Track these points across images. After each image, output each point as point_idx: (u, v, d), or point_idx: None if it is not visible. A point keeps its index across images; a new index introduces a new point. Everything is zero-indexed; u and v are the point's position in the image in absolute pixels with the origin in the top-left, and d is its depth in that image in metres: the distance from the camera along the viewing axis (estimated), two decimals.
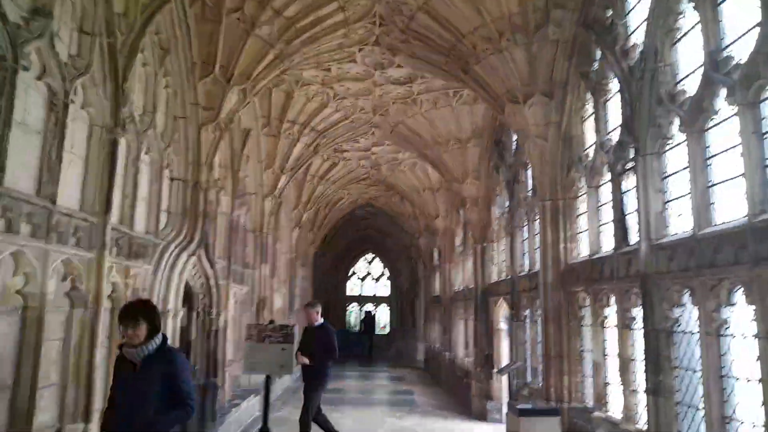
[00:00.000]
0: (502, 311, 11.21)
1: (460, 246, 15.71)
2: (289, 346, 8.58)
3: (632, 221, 5.91)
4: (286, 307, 16.50)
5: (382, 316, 28.82)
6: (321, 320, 8.09)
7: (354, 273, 29.36)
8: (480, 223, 11.94)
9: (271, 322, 9.26)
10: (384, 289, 29.16)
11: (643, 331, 5.31)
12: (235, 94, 7.56)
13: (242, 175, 11.02)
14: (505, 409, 10.84)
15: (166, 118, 6.93)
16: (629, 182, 6.00)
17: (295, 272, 17.75)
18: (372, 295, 29.19)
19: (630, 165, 5.92)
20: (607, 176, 6.50)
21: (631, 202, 5.95)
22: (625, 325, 5.87)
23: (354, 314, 29.16)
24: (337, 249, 26.86)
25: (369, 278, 29.45)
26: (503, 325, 11.28)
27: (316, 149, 12.38)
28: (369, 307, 28.92)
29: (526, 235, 9.57)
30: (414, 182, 16.45)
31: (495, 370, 11.05)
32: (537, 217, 8.84)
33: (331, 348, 7.94)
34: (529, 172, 9.46)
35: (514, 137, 10.25)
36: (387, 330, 28.30)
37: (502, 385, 10.99)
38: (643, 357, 5.30)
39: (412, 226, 20.53)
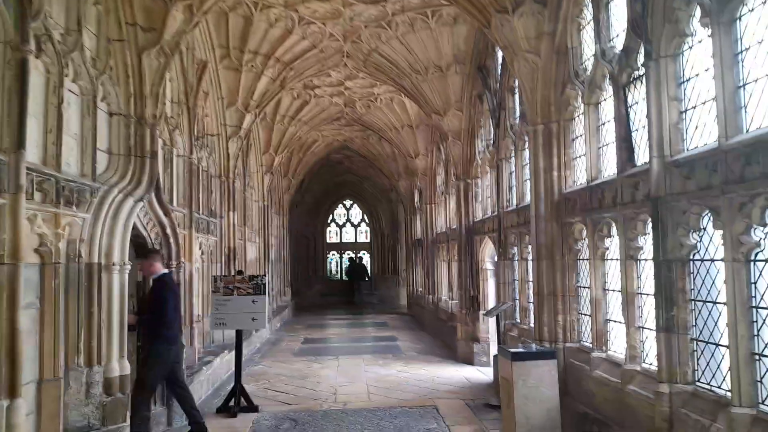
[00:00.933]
0: (487, 250, 10.65)
1: (441, 185, 15.03)
2: (261, 297, 7.96)
3: (640, 139, 5.20)
4: (261, 257, 15.79)
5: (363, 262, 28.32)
6: (161, 272, 6.36)
7: (333, 220, 28.66)
8: (463, 159, 11.19)
9: (239, 272, 8.57)
10: (364, 235, 28.60)
11: (653, 261, 4.68)
12: (180, 12, 6.48)
13: (201, 114, 10.02)
14: (492, 352, 10.48)
15: (98, 40, 5.87)
16: (636, 94, 5.24)
17: (269, 221, 16.96)
18: (352, 241, 28.62)
19: (638, 73, 5.16)
20: (610, 90, 5.73)
21: (638, 118, 5.22)
22: (629, 256, 5.25)
23: (335, 262, 28.65)
24: (314, 196, 26.04)
25: (348, 225, 28.81)
26: (489, 265, 10.76)
27: (282, 84, 11.32)
28: (350, 254, 28.38)
29: (513, 167, 8.85)
30: (391, 119, 15.52)
31: (482, 311, 10.58)
32: (526, 146, 8.12)
33: (155, 308, 6.09)
34: (517, 98, 8.66)
35: (500, 60, 9.36)
36: (368, 276, 27.89)
37: (489, 327, 10.58)
38: (653, 290, 4.70)
39: (391, 168, 19.73)
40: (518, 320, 8.56)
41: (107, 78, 5.97)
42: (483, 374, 9.84)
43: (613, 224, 5.58)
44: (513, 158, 8.82)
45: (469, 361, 10.72)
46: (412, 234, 19.94)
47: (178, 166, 8.62)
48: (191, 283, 8.92)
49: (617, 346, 5.71)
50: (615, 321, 5.76)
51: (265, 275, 7.83)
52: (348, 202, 28.56)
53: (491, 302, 10.55)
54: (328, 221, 28.46)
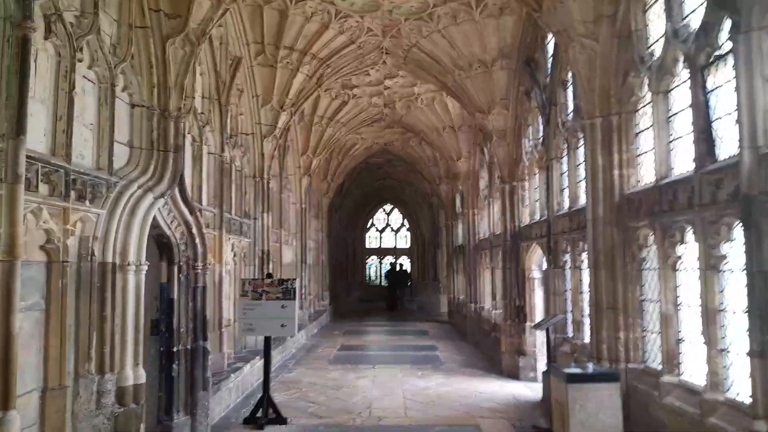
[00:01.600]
0: (535, 257, 9.89)
1: (485, 189, 14.29)
2: (291, 302, 7.48)
3: (723, 128, 4.44)
4: (298, 261, 15.42)
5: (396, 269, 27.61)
6: None
7: (373, 224, 28.18)
8: (508, 160, 10.47)
9: (269, 275, 8.12)
10: (404, 240, 28.01)
11: (744, 273, 3.92)
12: None
13: (235, 112, 9.69)
14: (540, 366, 9.71)
15: (119, 26, 5.54)
16: (719, 76, 4.49)
17: (307, 224, 16.59)
18: (392, 247, 28.07)
19: (720, 53, 4.41)
20: (683, 75, 4.99)
21: (721, 104, 4.46)
22: (710, 266, 4.48)
23: (374, 267, 28.14)
24: (354, 200, 25.64)
25: (388, 230, 28.27)
26: (536, 274, 9.98)
27: (319, 82, 10.89)
28: (390, 260, 27.83)
29: (565, 167, 8.10)
30: (433, 121, 14.89)
31: (529, 323, 9.82)
32: (580, 144, 7.39)
33: None
34: (570, 92, 7.92)
35: (550, 52, 8.65)
36: (410, 284, 27.25)
37: (536, 339, 9.81)
38: (744, 307, 3.93)
39: (432, 172, 19.09)
40: (570, 335, 7.78)
41: (128, 66, 5.62)
42: (530, 390, 9.06)
43: (689, 229, 4.82)
44: (565, 157, 8.08)
45: (514, 375, 9.96)
46: (454, 240, 19.22)
47: (208, 164, 8.28)
48: (221, 286, 8.56)
49: (692, 370, 4.92)
50: (689, 341, 4.98)
51: (295, 279, 7.36)
52: (388, 207, 28.06)
53: (538, 313, 9.77)
54: (368, 226, 28.02)
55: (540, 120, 9.16)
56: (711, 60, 4.56)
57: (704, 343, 4.52)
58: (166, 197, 5.94)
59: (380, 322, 20.56)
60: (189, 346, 6.70)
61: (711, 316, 4.46)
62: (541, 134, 9.15)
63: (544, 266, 9.32)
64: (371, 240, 28.12)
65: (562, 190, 8.25)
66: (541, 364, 9.69)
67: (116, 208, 5.22)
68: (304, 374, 10.64)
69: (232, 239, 9.44)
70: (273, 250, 11.98)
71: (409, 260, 27.50)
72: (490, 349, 12.24)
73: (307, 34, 9.76)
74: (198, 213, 6.92)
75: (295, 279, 7.26)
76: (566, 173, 7.99)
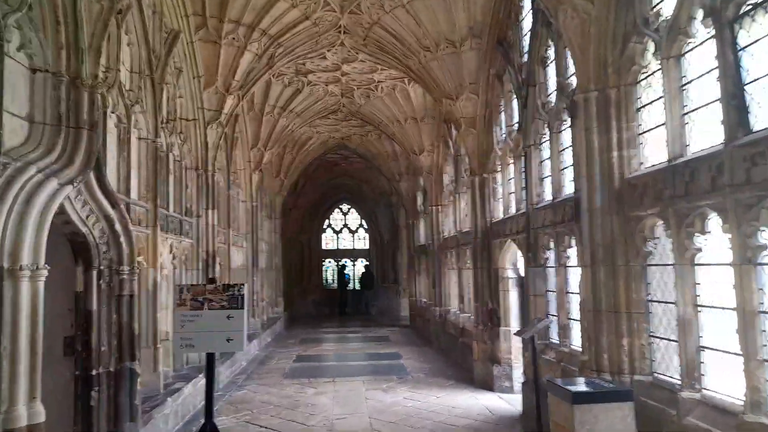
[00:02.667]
0: (509, 256, 9.10)
1: (450, 184, 13.50)
2: (239, 312, 6.34)
3: (759, 93, 3.70)
4: (249, 264, 14.21)
5: (360, 271, 26.63)
6: None
7: (329, 225, 27.07)
8: (478, 150, 9.65)
9: (212, 280, 6.97)
10: (362, 242, 27.01)
11: None
12: None
13: (173, 94, 8.49)
14: (516, 375, 8.93)
15: None
16: (754, 30, 3.74)
17: (258, 224, 15.38)
18: (350, 248, 27.03)
19: (755, 1, 3.66)
20: (702, 33, 4.24)
21: (755, 64, 3.72)
22: (746, 259, 3.72)
23: (331, 270, 27.03)
24: (309, 199, 24.46)
25: (345, 230, 27.22)
26: (511, 273, 9.19)
27: (270, 63, 9.79)
28: (344, 262, 26.78)
29: (546, 153, 7.33)
30: (394, 111, 13.98)
31: (504, 328, 9.02)
32: (565, 126, 6.63)
33: None
34: (551, 70, 7.15)
35: (526, 28, 7.87)
36: (358, 286, 26.27)
37: (511, 345, 9.01)
38: None
39: (392, 167, 18.19)
40: (556, 340, 7.00)
41: (25, 19, 4.43)
42: (507, 403, 8.26)
43: (713, 215, 4.06)
44: (546, 143, 7.31)
45: (488, 386, 9.14)
46: (415, 240, 18.36)
47: (139, 151, 7.09)
48: (156, 294, 7.37)
49: (719, 385, 4.16)
50: (714, 349, 4.22)
51: (243, 285, 6.25)
52: (345, 207, 26.99)
53: (514, 317, 8.99)
54: (324, 227, 26.86)
55: (515, 104, 8.39)
56: (742, 12, 3.81)
57: (738, 352, 3.76)
58: (76, 184, 4.77)
59: (338, 328, 19.52)
60: (112, 368, 5.54)
61: (749, 319, 3.69)
62: (516, 120, 8.37)
63: (521, 265, 8.55)
64: (328, 241, 26.99)
65: (542, 180, 7.47)
66: (518, 373, 8.91)
67: (5, 197, 4.04)
68: (256, 391, 9.53)
69: (171, 239, 8.25)
70: (220, 253, 10.81)
71: (367, 262, 26.50)
72: (459, 355, 11.43)
73: (256, 7, 8.66)
74: (123, 207, 5.75)
75: (243, 284, 6.14)
76: (548, 160, 7.21)
